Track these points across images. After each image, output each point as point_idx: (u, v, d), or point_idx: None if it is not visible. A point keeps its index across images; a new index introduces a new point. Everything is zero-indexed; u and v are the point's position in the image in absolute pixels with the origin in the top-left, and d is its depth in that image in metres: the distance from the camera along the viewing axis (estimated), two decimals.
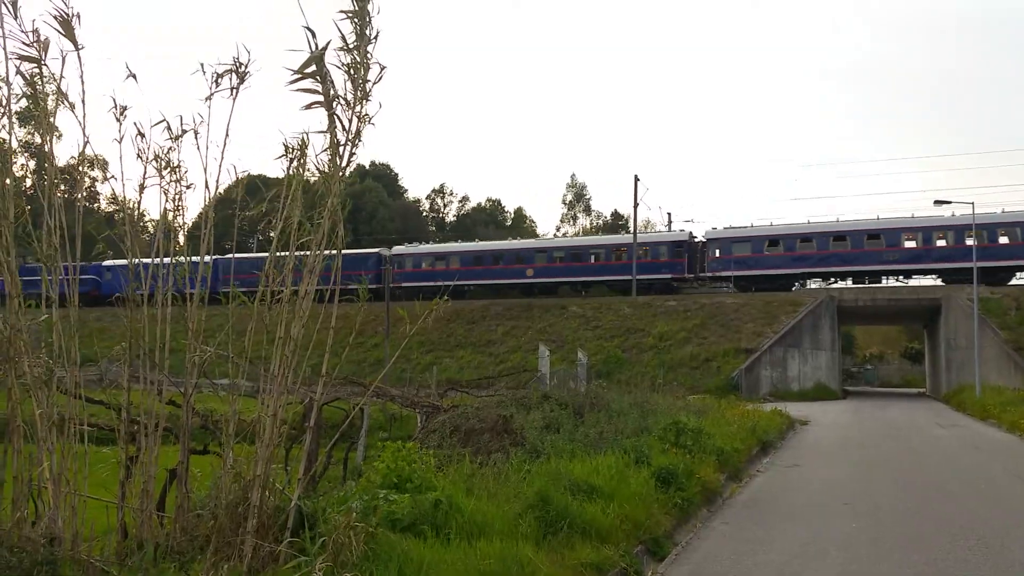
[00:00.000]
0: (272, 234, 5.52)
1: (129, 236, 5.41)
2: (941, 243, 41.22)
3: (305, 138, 5.39)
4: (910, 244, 41.82)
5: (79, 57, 4.71)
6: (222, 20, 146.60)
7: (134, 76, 4.93)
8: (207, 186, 5.44)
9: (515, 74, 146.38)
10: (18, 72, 4.62)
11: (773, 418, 20.23)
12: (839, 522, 9.41)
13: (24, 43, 4.49)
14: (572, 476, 8.41)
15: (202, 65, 5.10)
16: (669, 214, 74.06)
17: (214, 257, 5.86)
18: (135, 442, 5.43)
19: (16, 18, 4.41)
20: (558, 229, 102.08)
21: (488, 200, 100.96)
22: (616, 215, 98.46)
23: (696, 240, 47.37)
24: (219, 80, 5.12)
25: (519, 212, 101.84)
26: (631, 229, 53.77)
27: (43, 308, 4.77)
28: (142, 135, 5.24)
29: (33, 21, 4.53)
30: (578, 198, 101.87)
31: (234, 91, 5.16)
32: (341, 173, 5.03)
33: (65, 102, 4.95)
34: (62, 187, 5.67)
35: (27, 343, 4.41)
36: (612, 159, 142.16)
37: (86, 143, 5.03)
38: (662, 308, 43.80)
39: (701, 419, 15.59)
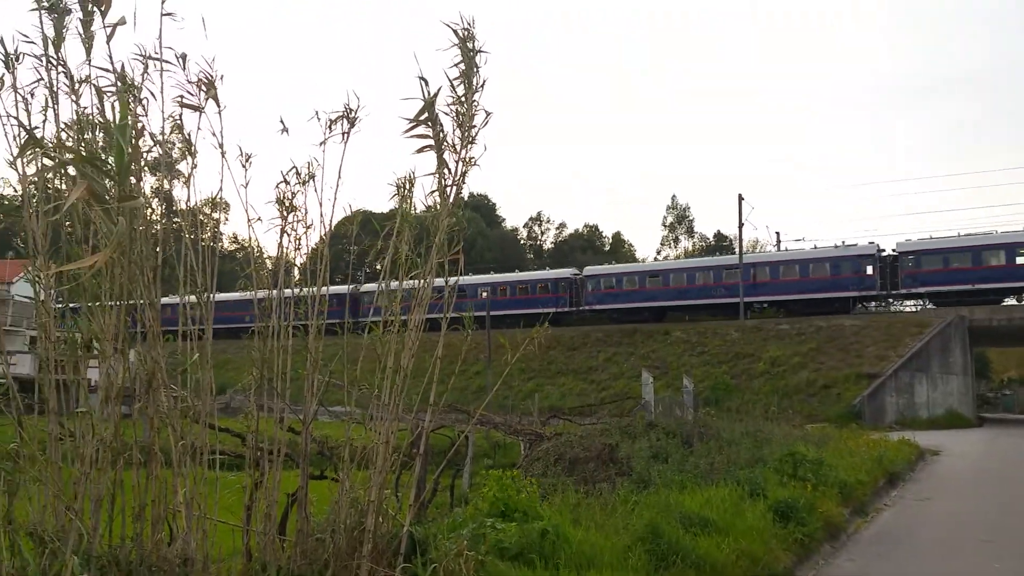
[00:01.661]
0: (378, 267, 5.75)
1: (254, 272, 5.76)
2: None
3: (411, 178, 5.65)
4: None
5: (219, 114, 5.12)
6: (325, 66, 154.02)
7: (286, 129, 5.38)
8: (322, 224, 5.73)
9: (609, 97, 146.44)
10: (175, 124, 5.03)
11: (900, 448, 19.06)
12: (978, 560, 8.73)
13: (189, 92, 4.87)
14: (683, 508, 8.20)
15: (316, 113, 5.42)
16: (778, 233, 71.83)
17: (330, 290, 6.13)
18: (259, 468, 5.70)
19: (184, 69, 4.80)
20: (658, 252, 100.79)
21: (585, 226, 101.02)
22: (719, 236, 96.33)
23: (885, 254, 43.69)
24: (332, 126, 5.42)
25: (617, 237, 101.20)
26: (735, 249, 52.22)
27: (178, 341, 5.13)
28: (285, 181, 5.61)
29: (198, 74, 4.92)
30: (680, 220, 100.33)
31: (345, 135, 5.45)
32: (448, 211, 5.22)
33: (191, 151, 5.35)
34: (189, 229, 6.10)
35: (165, 375, 4.73)
36: (714, 179, 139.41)
37: (220, 190, 5.41)
38: (773, 331, 42.27)
39: (821, 449, 14.88)
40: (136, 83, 4.63)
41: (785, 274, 45.08)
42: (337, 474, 7.13)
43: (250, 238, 5.78)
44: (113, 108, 4.15)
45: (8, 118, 4.44)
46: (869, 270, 42.76)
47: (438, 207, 5.32)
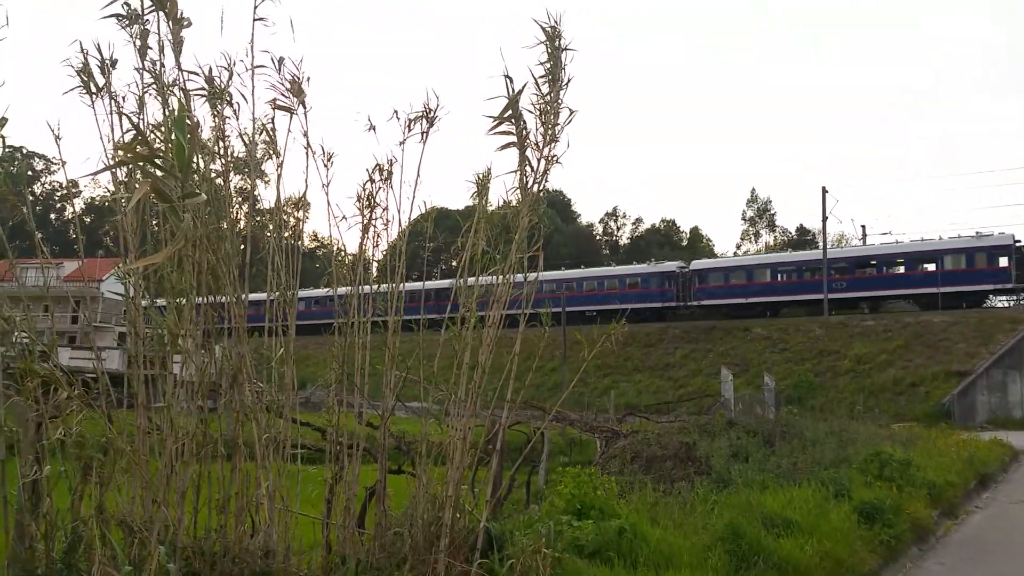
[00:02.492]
0: (454, 263, 5.77)
1: (334, 269, 5.87)
2: None
3: (488, 175, 5.66)
4: None
5: (306, 115, 5.24)
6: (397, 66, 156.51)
7: (374, 127, 5.45)
8: (400, 222, 5.79)
9: (687, 89, 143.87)
10: (262, 127, 5.18)
11: (993, 448, 18.07)
12: None
13: (283, 94, 5.00)
14: (764, 508, 7.95)
15: (396, 112, 5.48)
16: (863, 227, 69.10)
17: (407, 286, 6.18)
18: (337, 461, 5.79)
19: (279, 71, 4.93)
20: (738, 247, 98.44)
21: (662, 221, 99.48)
22: (802, 230, 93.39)
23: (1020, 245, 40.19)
24: (411, 125, 5.47)
25: (695, 231, 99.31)
26: (819, 244, 50.12)
27: (265, 337, 5.27)
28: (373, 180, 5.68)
29: (288, 77, 5.04)
30: (760, 214, 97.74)
31: (424, 135, 5.49)
32: (529, 209, 5.20)
33: (275, 152, 5.48)
34: (270, 227, 6.26)
35: (250, 370, 4.86)
36: (795, 171, 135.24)
37: (306, 190, 5.52)
38: (858, 328, 40.65)
39: (908, 450, 14.23)
40: (222, 87, 4.77)
41: (914, 267, 42.76)
42: (414, 469, 7.20)
43: (330, 236, 5.89)
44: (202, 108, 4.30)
45: (104, 120, 4.65)
46: (1004, 262, 40.24)
47: (518, 204, 5.31)
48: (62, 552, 4.14)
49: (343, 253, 6.72)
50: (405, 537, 5.25)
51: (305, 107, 5.14)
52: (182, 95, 4.49)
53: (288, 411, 5.30)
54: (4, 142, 4.16)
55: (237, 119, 4.96)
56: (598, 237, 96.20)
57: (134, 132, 4.17)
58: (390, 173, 5.55)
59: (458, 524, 5.39)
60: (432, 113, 5.45)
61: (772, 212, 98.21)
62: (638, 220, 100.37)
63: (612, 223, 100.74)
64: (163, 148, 4.15)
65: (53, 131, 4.66)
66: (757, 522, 7.42)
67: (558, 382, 39.46)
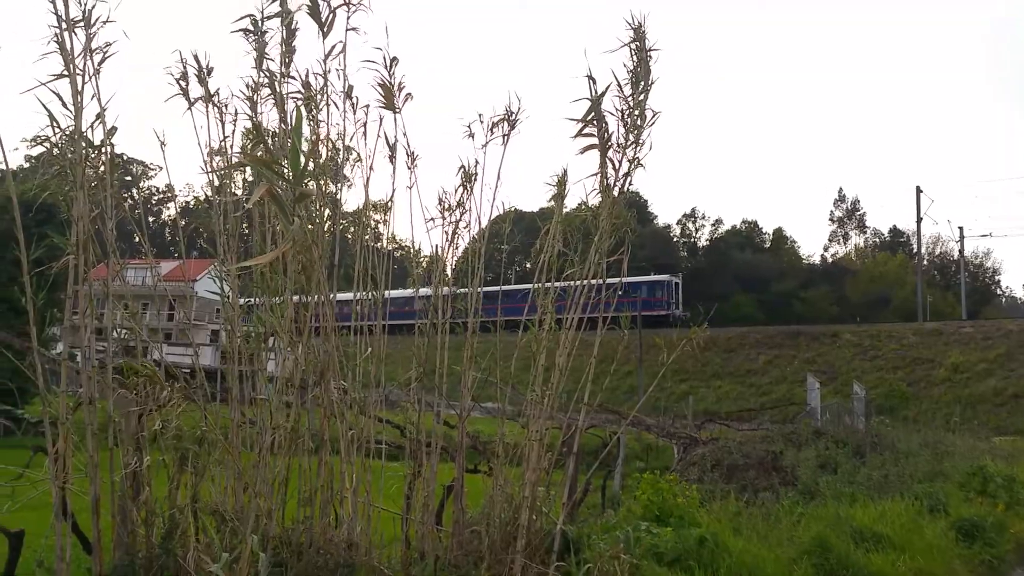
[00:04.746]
0: (527, 265, 5.79)
1: (415, 271, 5.98)
2: None
3: (566, 175, 5.67)
4: None
5: (395, 119, 5.39)
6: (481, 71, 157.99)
7: (472, 135, 5.59)
8: (479, 224, 5.86)
9: (767, 85, 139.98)
10: (338, 134, 5.36)
11: None
12: None
13: (382, 97, 5.17)
14: (854, 522, 7.65)
15: (480, 116, 5.56)
16: (961, 228, 65.68)
17: (483, 289, 6.25)
18: (416, 459, 5.90)
19: (390, 72, 5.09)
20: (826, 249, 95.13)
21: (743, 222, 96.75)
22: (895, 231, 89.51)
23: None
24: (493, 128, 5.53)
25: (779, 233, 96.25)
26: (914, 246, 48.10)
27: (352, 336, 5.43)
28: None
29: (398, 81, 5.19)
30: (849, 214, 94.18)
31: (505, 137, 5.55)
32: (610, 211, 5.18)
33: (359, 158, 5.63)
34: (352, 229, 6.44)
35: (336, 367, 5.01)
36: (886, 170, 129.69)
37: (393, 192, 5.65)
38: (955, 336, 38.67)
39: (1012, 465, 13.43)
40: (317, 93, 4.96)
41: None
42: (490, 469, 7.26)
43: (413, 238, 6.01)
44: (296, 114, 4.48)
45: (205, 127, 4.90)
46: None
47: (599, 206, 5.30)
48: (160, 538, 4.37)
49: (422, 255, 6.83)
50: (483, 536, 5.30)
51: (395, 111, 5.27)
52: (293, 103, 4.70)
53: (372, 409, 5.43)
54: (113, 150, 4.41)
55: (328, 125, 5.13)
56: (676, 239, 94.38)
57: (247, 137, 4.38)
58: (473, 176, 5.62)
59: (534, 526, 5.41)
60: (514, 116, 5.49)
61: (861, 212, 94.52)
62: (718, 221, 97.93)
63: (690, 224, 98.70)
64: (278, 153, 4.36)
65: (159, 138, 4.93)
66: (846, 536, 7.16)
67: (633, 386, 39.02)
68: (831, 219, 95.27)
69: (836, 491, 9.47)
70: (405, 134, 5.52)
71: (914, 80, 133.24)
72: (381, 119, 5.46)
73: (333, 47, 4.69)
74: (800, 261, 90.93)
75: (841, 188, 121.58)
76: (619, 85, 5.18)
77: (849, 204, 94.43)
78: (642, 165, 5.35)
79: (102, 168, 4.36)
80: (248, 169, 5.41)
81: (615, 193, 5.31)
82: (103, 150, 4.30)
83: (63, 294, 4.45)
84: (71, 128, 4.19)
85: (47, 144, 4.34)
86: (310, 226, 4.81)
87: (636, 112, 5.22)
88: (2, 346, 5.56)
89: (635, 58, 5.22)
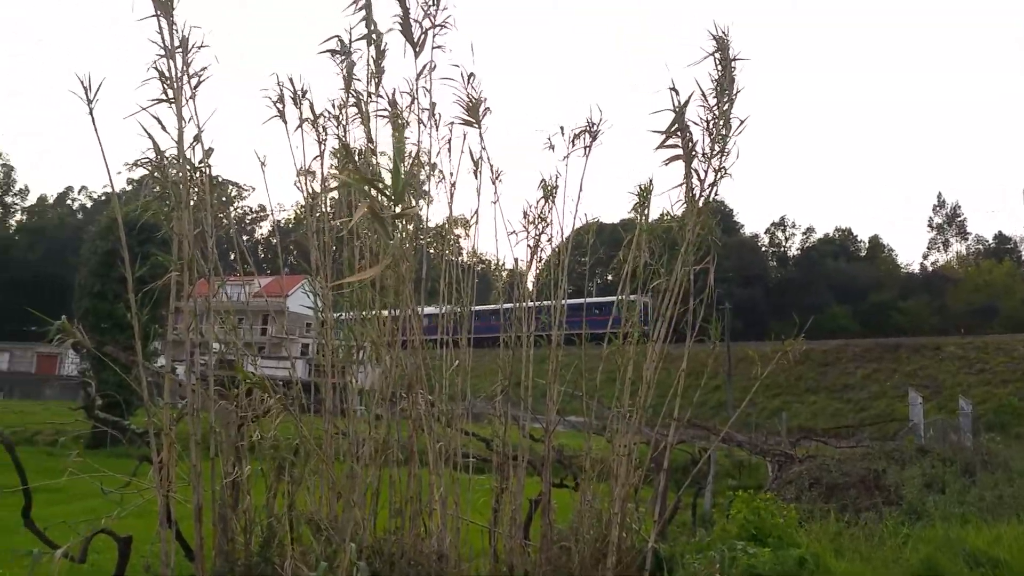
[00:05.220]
0: (609, 277, 5.71)
1: (499, 284, 6.00)
2: None
3: (650, 186, 5.59)
4: None
5: (479, 136, 5.46)
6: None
7: (552, 147, 5.61)
8: (562, 236, 5.84)
9: (860, 88, 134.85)
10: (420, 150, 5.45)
11: None
12: None
13: (465, 114, 5.25)
14: (966, 545, 7.16)
15: (562, 128, 5.55)
16: None
17: (567, 301, 6.20)
18: (502, 472, 5.89)
19: (468, 83, 5.18)
20: (925, 258, 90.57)
21: (836, 230, 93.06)
22: (1001, 237, 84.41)
23: None
24: (574, 140, 5.51)
25: (875, 241, 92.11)
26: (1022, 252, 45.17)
27: (438, 349, 5.49)
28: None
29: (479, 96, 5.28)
30: (949, 221, 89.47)
31: (587, 149, 5.52)
32: (696, 222, 5.07)
33: (441, 175, 5.71)
34: (434, 244, 6.51)
35: (423, 380, 5.06)
36: (988, 174, 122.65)
37: (478, 207, 5.69)
38: None
39: None
40: (404, 111, 5.06)
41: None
42: (576, 483, 7.17)
43: (497, 252, 6.05)
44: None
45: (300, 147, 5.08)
46: None
47: (685, 216, 5.20)
48: (259, 545, 4.50)
49: (504, 269, 6.84)
50: (572, 553, 5.23)
51: (480, 127, 5.33)
52: (386, 121, 4.82)
53: (458, 421, 5.46)
54: (211, 171, 4.61)
55: (418, 142, 5.22)
56: (764, 248, 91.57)
57: (335, 156, 4.51)
58: (555, 188, 5.61)
59: (625, 543, 5.30)
60: (595, 127, 5.47)
61: (962, 218, 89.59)
62: (809, 230, 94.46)
63: (779, 233, 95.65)
64: (364, 171, 4.45)
65: (260, 159, 5.12)
66: (958, 559, 6.71)
67: (722, 400, 37.97)
68: (930, 225, 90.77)
69: (945, 512, 8.91)
70: (484, 149, 5.58)
71: (1017, 80, 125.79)
72: (465, 136, 5.54)
73: (425, 65, 4.78)
74: (898, 270, 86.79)
75: (940, 193, 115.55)
76: (703, 95, 5.09)
77: (949, 210, 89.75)
78: (729, 174, 5.25)
79: (202, 188, 4.55)
80: (336, 187, 5.55)
81: (700, 203, 5.20)
82: (202, 170, 4.49)
83: (164, 310, 4.65)
84: (172, 150, 4.41)
85: (149, 166, 4.57)
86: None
87: (721, 121, 5.12)
88: (110, 360, 5.87)
89: (719, 67, 5.14)
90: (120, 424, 6.05)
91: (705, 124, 5.08)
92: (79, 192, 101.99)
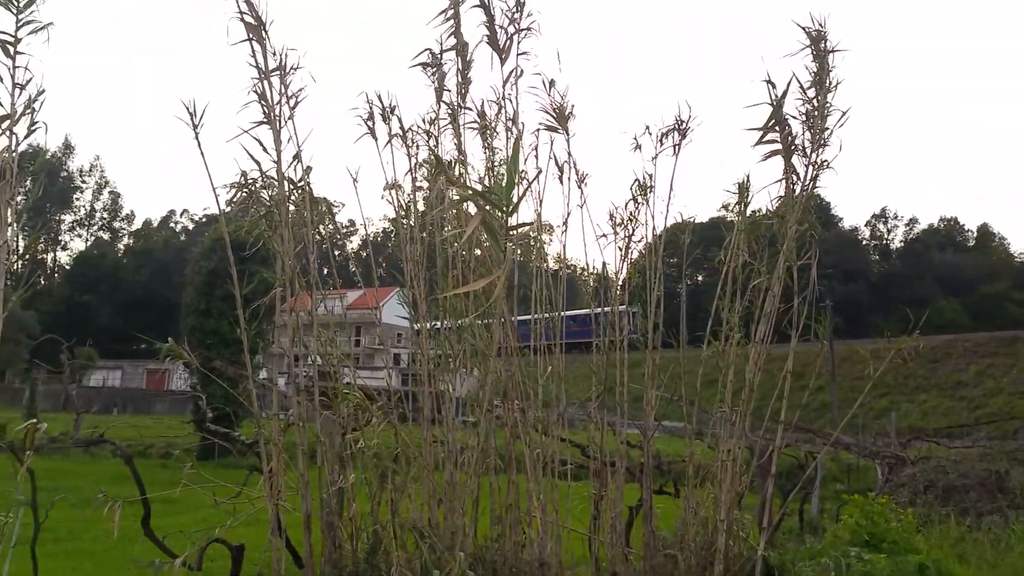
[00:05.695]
0: (699, 278, 5.55)
1: (586, 288, 5.94)
2: None
3: (747, 182, 5.44)
4: None
5: (566, 141, 5.45)
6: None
7: (639, 146, 5.52)
8: (654, 238, 5.73)
9: (961, 71, 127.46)
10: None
11: None
12: None
13: (551, 120, 5.26)
14: None
15: (647, 127, 5.46)
16: None
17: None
18: (600, 479, 5.81)
19: (550, 91, 5.20)
20: None
21: (941, 220, 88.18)
22: None
23: None
24: (663, 139, 5.42)
25: (984, 229, 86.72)
26: None
27: (532, 356, 5.48)
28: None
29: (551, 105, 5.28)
30: None
31: (676, 148, 5.41)
32: (797, 218, 4.89)
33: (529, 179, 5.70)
34: (521, 251, 6.50)
35: (519, 387, 5.06)
36: None
37: (568, 214, 5.65)
38: None
39: None
40: (492, 121, 5.10)
41: None
42: (676, 490, 7.01)
43: (586, 256, 6.00)
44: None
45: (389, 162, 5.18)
46: None
47: (784, 212, 5.02)
48: (366, 552, 4.58)
49: (592, 273, 6.77)
50: (679, 561, 5.10)
51: (568, 134, 5.31)
52: (514, 135, 4.88)
53: (555, 428, 5.42)
54: (310, 188, 4.74)
55: (506, 150, 5.23)
56: (864, 242, 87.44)
57: (427, 167, 4.56)
58: (649, 188, 5.53)
59: (732, 551, 5.13)
60: (684, 125, 5.36)
61: None
62: (912, 220, 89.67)
63: (881, 225, 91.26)
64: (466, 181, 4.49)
65: (352, 176, 5.24)
66: None
67: (825, 402, 36.47)
68: None
69: None
70: (571, 154, 5.54)
71: None
72: (552, 141, 5.52)
73: (511, 72, 4.80)
74: (1011, 259, 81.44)
75: None
76: (801, 87, 4.90)
77: None
78: (831, 168, 5.04)
79: (301, 206, 4.70)
80: (420, 199, 5.62)
81: (802, 199, 5.01)
82: (302, 189, 4.63)
83: (266, 324, 4.82)
84: (272, 170, 4.56)
85: (251, 187, 4.74)
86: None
87: (820, 114, 4.92)
88: (217, 375, 6.14)
89: (816, 58, 4.95)
90: (230, 436, 6.30)
91: (805, 117, 4.90)
92: (181, 215, 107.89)
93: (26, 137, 3.39)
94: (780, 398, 5.12)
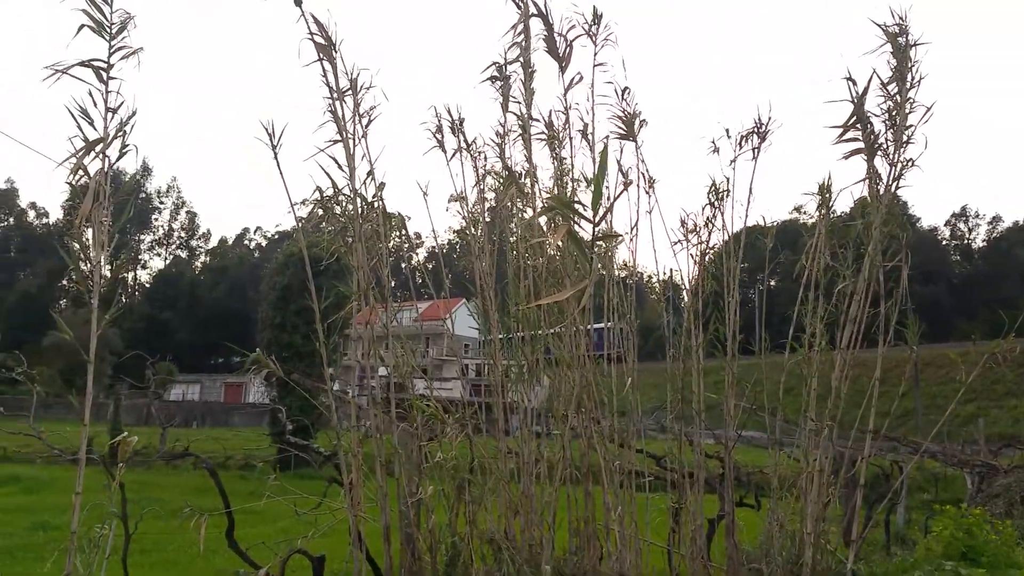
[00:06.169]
0: (772, 283, 5.39)
1: (660, 295, 5.85)
2: None
3: (829, 183, 5.27)
4: None
5: (635, 149, 5.40)
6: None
7: (717, 149, 5.47)
8: (732, 242, 5.59)
9: None
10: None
11: None
12: None
13: (620, 125, 5.24)
14: None
15: (727, 131, 5.36)
16: None
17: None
18: (678, 490, 5.68)
19: (621, 98, 5.19)
20: None
21: None
22: None
23: None
24: (742, 143, 5.30)
25: None
26: None
27: (605, 365, 5.41)
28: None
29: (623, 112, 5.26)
30: None
31: (755, 151, 5.28)
32: (882, 219, 4.70)
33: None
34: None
35: (593, 397, 4.99)
36: None
37: (637, 220, 5.59)
38: None
39: None
40: (559, 132, 5.08)
41: None
42: (757, 501, 6.81)
43: (656, 262, 5.89)
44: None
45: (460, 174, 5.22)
46: None
47: (869, 213, 4.84)
48: (444, 564, 4.58)
49: (662, 280, 6.64)
50: (764, 574, 4.94)
51: (636, 140, 5.25)
52: (594, 143, 4.88)
53: (631, 439, 5.34)
54: (384, 204, 4.79)
55: (571, 159, 5.21)
56: (944, 242, 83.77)
57: (496, 178, 4.57)
58: (725, 192, 5.41)
59: (819, 564, 4.94)
60: (764, 128, 5.23)
61: None
62: (995, 219, 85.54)
63: (962, 225, 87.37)
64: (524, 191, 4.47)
65: (422, 189, 5.30)
66: None
67: (907, 408, 35.02)
68: None
69: None
70: (643, 161, 5.48)
71: None
72: (622, 148, 5.47)
73: (572, 79, 4.75)
74: None
75: None
76: (882, 83, 4.71)
77: None
78: (917, 166, 4.82)
79: (375, 222, 4.76)
80: (485, 211, 5.62)
81: (886, 199, 4.81)
82: (375, 204, 4.69)
83: (339, 337, 4.88)
84: (346, 187, 4.64)
85: (327, 204, 4.83)
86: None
87: (902, 111, 4.72)
88: (296, 387, 6.25)
89: (897, 54, 4.76)
90: (309, 447, 6.40)
91: (888, 114, 4.71)
92: (255, 232, 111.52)
93: (117, 160, 3.48)
94: (869, 406, 4.91)
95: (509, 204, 5.16)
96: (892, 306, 4.84)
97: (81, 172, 3.32)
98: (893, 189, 4.76)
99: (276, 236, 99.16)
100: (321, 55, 4.57)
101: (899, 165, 4.76)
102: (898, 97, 4.66)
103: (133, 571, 4.48)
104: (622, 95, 5.11)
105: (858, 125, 4.59)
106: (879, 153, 4.71)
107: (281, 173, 4.48)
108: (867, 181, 4.78)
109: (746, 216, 5.49)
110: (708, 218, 5.53)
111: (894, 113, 4.67)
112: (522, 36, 4.66)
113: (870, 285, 4.74)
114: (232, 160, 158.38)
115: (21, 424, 6.03)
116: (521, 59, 4.86)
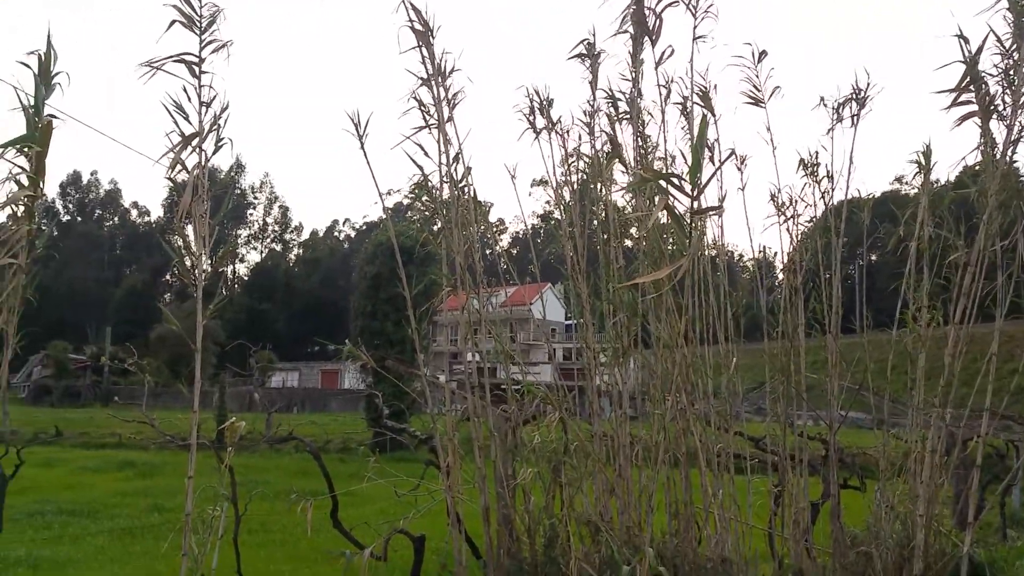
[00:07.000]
0: (873, 258, 5.13)
1: (753, 272, 5.68)
2: None
3: (929, 149, 4.98)
4: None
5: (714, 125, 5.22)
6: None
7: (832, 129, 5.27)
8: (832, 216, 5.38)
9: None
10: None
11: None
12: None
13: (753, 90, 5.12)
14: None
15: (822, 99, 5.15)
16: None
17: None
18: (780, 473, 5.54)
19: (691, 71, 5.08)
20: None
21: None
22: None
23: None
24: (840, 110, 5.07)
25: None
26: None
27: (699, 347, 5.30)
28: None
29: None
30: None
31: (855, 119, 5.05)
32: (995, 188, 4.41)
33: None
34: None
35: (687, 378, 4.91)
36: None
37: (723, 195, 5.43)
38: None
39: None
40: (647, 111, 4.98)
41: None
42: (862, 483, 6.56)
43: (750, 239, 5.72)
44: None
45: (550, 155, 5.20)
46: None
47: (984, 181, 4.53)
48: (543, 546, 4.62)
49: (754, 257, 6.43)
50: (873, 558, 4.77)
51: (715, 115, 5.09)
52: (700, 115, 4.78)
53: (729, 420, 5.23)
54: (474, 189, 4.82)
55: (663, 135, 5.11)
56: None
57: (581, 158, 4.52)
58: (816, 166, 5.20)
59: (932, 548, 4.73)
60: (863, 94, 4.98)
61: None
62: None
63: None
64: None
65: (510, 172, 5.31)
66: None
67: (1021, 385, 32.89)
68: None
69: None
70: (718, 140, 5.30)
71: None
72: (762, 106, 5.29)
73: (663, 54, 4.64)
74: None
75: None
76: (998, 40, 4.37)
77: None
78: None
79: (465, 207, 4.80)
80: (569, 192, 5.57)
81: (1002, 165, 4.49)
82: (464, 190, 4.73)
83: (428, 324, 4.95)
84: (435, 173, 4.69)
85: (417, 191, 4.90)
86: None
87: (1021, 69, 4.38)
88: (389, 373, 6.40)
89: (1015, 7, 4.41)
90: (405, 431, 6.56)
91: (1005, 74, 4.37)
92: (343, 223, 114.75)
93: (214, 153, 3.51)
94: (985, 383, 4.64)
95: (601, 184, 5.09)
96: (1008, 278, 4.55)
97: (179, 167, 3.39)
98: (1010, 155, 4.44)
99: (364, 227, 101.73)
100: (419, 42, 4.61)
101: (1016, 127, 4.44)
102: (1016, 54, 4.33)
103: (243, 551, 4.69)
104: (758, 59, 4.95)
105: (971, 87, 4.30)
106: (994, 116, 4.39)
107: (368, 163, 4.57)
108: (983, 146, 4.48)
109: (847, 188, 5.26)
110: (801, 193, 5.33)
111: (1011, 72, 4.34)
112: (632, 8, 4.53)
113: (985, 255, 4.45)
114: (320, 153, 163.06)
115: (134, 412, 6.39)
116: (631, 28, 4.73)
